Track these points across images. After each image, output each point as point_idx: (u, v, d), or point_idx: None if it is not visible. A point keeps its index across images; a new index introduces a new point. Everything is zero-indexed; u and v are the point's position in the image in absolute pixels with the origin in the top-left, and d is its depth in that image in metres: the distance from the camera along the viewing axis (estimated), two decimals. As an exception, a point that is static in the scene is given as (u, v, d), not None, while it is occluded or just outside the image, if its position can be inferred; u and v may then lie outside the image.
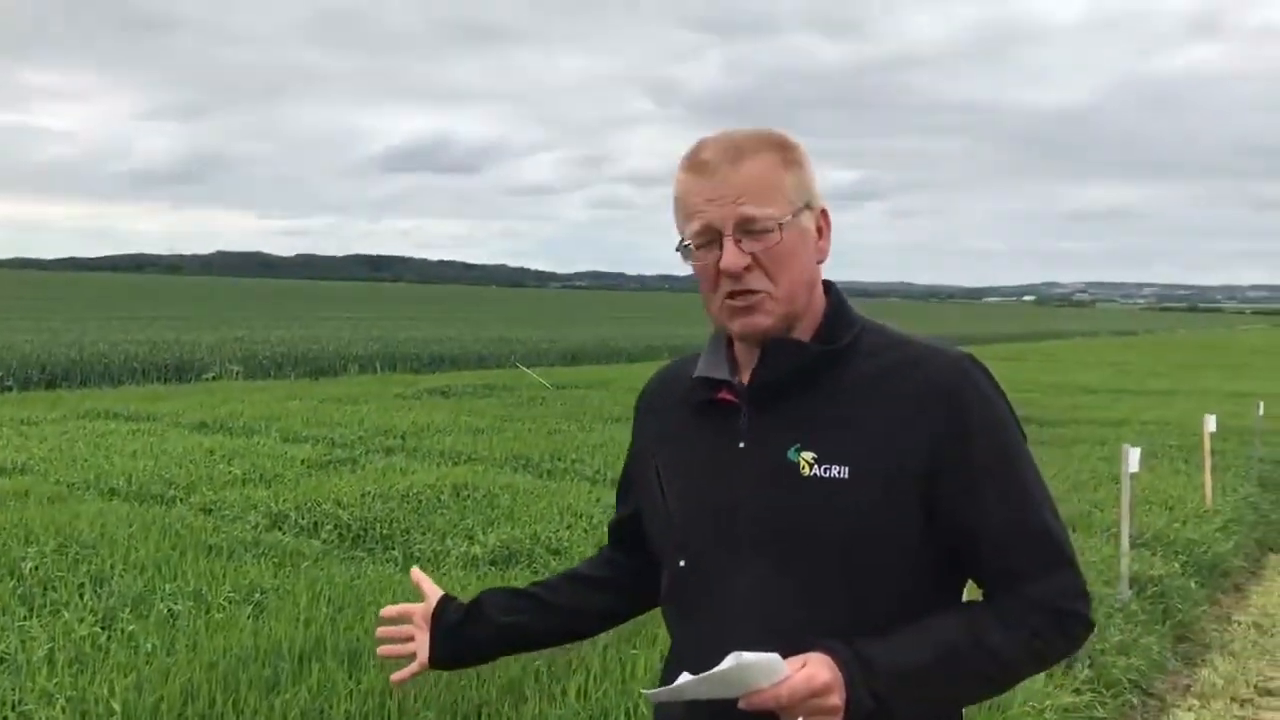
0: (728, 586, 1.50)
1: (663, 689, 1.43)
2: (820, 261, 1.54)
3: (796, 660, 1.37)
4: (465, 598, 1.76)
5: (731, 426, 1.52)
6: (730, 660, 1.33)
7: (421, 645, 1.71)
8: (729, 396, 1.54)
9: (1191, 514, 8.04)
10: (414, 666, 1.73)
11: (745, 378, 1.53)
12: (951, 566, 1.51)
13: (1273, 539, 8.61)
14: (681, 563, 1.56)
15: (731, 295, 1.47)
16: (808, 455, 1.46)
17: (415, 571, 1.81)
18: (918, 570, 1.47)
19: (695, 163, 1.49)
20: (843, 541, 1.44)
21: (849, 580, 1.45)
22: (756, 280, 1.47)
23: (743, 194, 1.45)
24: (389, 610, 1.77)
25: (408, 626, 1.74)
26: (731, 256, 1.45)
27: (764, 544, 1.48)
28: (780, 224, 1.45)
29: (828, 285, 1.57)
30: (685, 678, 1.38)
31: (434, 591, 1.75)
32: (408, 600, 1.77)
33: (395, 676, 1.75)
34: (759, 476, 1.48)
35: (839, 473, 1.44)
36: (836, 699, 1.35)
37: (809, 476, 1.45)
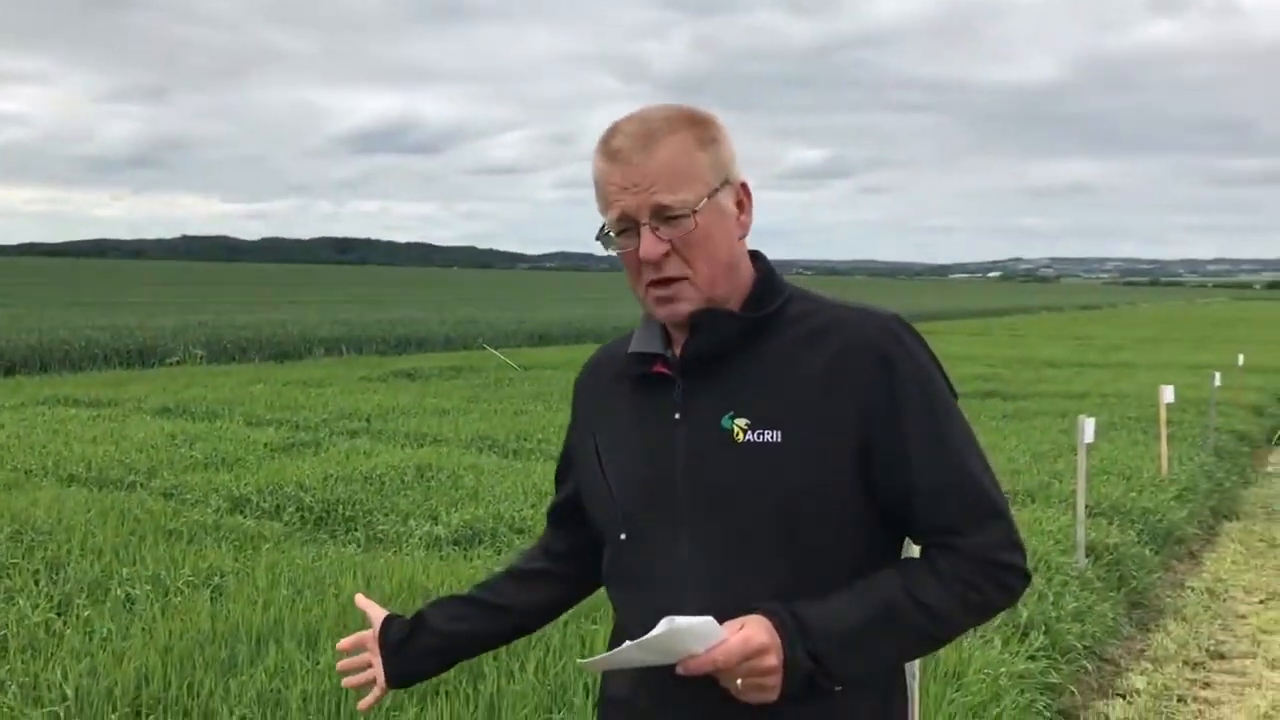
0: (668, 556, 1.51)
1: (597, 657, 1.44)
2: (742, 236, 1.54)
3: (734, 623, 1.38)
4: (419, 609, 1.76)
5: (666, 399, 1.53)
6: (664, 625, 1.34)
7: (377, 668, 1.71)
8: (663, 369, 1.55)
9: (1148, 483, 8.15)
10: (375, 692, 1.72)
11: (678, 350, 1.54)
12: (887, 525, 1.52)
13: (1227, 507, 8.77)
14: (622, 536, 1.57)
15: (654, 284, 1.49)
16: (740, 422, 1.47)
17: (359, 598, 1.80)
18: (855, 530, 1.49)
19: (609, 150, 1.48)
20: (779, 505, 1.45)
21: (787, 543, 1.46)
22: (675, 266, 1.48)
23: (656, 181, 1.45)
24: (345, 643, 1.76)
25: (365, 655, 1.73)
26: (649, 245, 1.46)
27: (702, 512, 1.49)
28: (695, 210, 1.45)
29: (755, 255, 1.58)
30: (624, 646, 1.39)
31: (378, 614, 1.74)
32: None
33: (361, 705, 1.74)
34: (694, 446, 1.50)
35: (772, 438, 1.46)
36: (773, 660, 1.36)
37: (743, 443, 1.46)
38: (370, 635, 1.73)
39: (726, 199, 1.50)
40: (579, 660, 1.49)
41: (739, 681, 1.37)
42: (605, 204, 1.49)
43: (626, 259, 1.50)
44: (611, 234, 1.50)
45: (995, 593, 1.48)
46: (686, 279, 1.48)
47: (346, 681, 1.75)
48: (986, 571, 1.46)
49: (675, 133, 1.46)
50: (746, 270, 1.55)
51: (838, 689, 1.43)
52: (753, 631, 1.37)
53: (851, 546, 1.49)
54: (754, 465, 1.46)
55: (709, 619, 1.35)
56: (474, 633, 1.75)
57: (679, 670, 1.36)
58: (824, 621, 1.40)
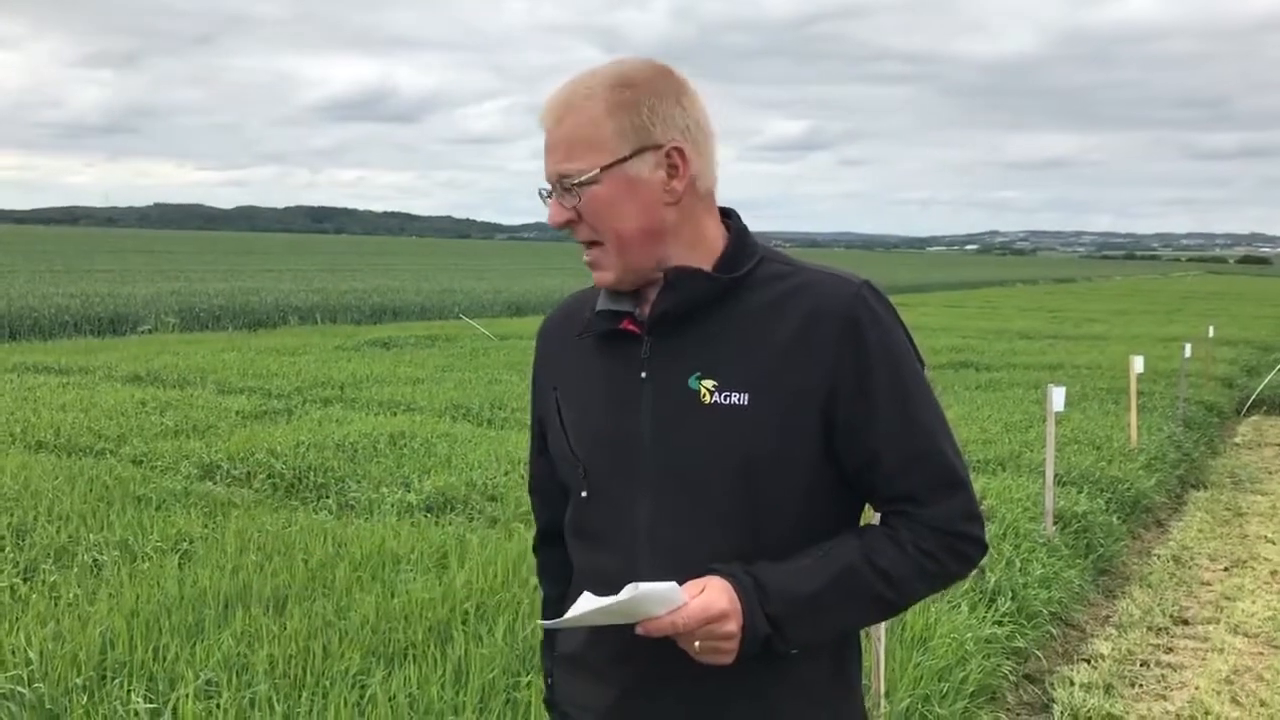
0: (630, 515, 1.50)
1: (559, 618, 1.43)
2: (674, 203, 1.49)
3: (695, 585, 1.38)
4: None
5: (633, 357, 1.52)
6: (628, 591, 1.34)
7: None
8: (631, 327, 1.53)
9: (1117, 453, 8.23)
10: None
11: (647, 309, 1.52)
12: (850, 490, 1.52)
13: (1194, 476, 8.87)
14: (584, 493, 1.55)
15: (585, 250, 1.52)
16: (708, 383, 1.46)
17: None
18: (817, 494, 1.49)
19: (541, 116, 1.52)
20: (743, 467, 1.45)
21: (750, 505, 1.46)
22: (584, 233, 1.50)
23: (559, 149, 1.48)
24: None
25: None
26: (551, 212, 1.51)
27: (665, 472, 1.48)
28: (583, 180, 1.46)
29: (729, 214, 1.56)
30: (584, 602, 1.39)
31: None
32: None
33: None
34: (660, 405, 1.48)
35: (739, 399, 1.44)
36: (732, 625, 1.37)
37: (710, 404, 1.45)
38: None
39: (640, 167, 1.46)
40: (539, 621, 1.49)
41: (696, 644, 1.37)
42: None
43: None
44: (543, 199, 1.54)
45: (953, 562, 1.49)
46: (601, 245, 1.50)
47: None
48: (945, 541, 1.47)
49: (590, 99, 1.46)
50: (705, 232, 1.52)
51: (793, 651, 1.44)
52: (713, 597, 1.36)
53: (814, 511, 1.49)
54: (720, 427, 1.44)
55: (672, 584, 1.35)
56: None
57: (638, 631, 1.36)
58: (783, 585, 1.40)
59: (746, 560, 1.43)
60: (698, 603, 1.35)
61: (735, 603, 1.37)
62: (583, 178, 1.46)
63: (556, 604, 1.70)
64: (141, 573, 4.62)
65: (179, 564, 4.76)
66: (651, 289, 1.52)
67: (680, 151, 1.48)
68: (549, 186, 1.52)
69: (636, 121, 1.46)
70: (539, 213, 1.57)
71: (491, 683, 3.53)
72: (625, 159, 1.46)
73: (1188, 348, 11.41)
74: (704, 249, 1.51)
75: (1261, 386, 13.20)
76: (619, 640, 1.42)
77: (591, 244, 1.51)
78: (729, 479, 1.45)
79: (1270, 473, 9.30)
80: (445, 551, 4.98)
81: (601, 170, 1.45)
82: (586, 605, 1.39)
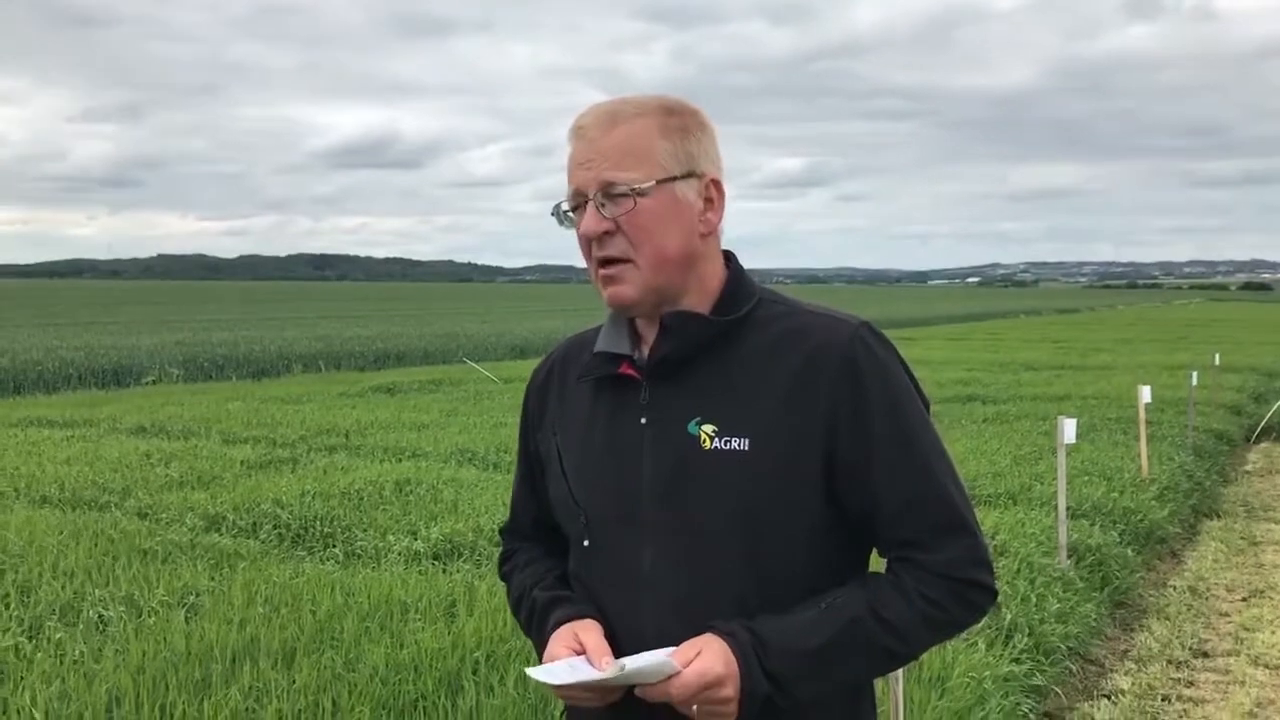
0: (631, 565, 1.48)
1: (550, 680, 1.39)
2: (706, 234, 1.49)
3: (691, 647, 1.35)
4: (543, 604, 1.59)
5: (633, 401, 1.50)
6: (615, 669, 1.33)
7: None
8: (630, 371, 1.51)
9: (1129, 483, 8.16)
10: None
11: (646, 352, 1.50)
12: (855, 536, 1.49)
13: (1207, 505, 8.79)
14: (586, 542, 1.53)
15: (601, 264, 1.46)
16: (708, 428, 1.44)
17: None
18: (821, 540, 1.46)
19: (576, 129, 1.47)
20: (745, 513, 1.42)
21: (753, 551, 1.43)
22: (618, 246, 1.45)
23: (608, 158, 1.43)
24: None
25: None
26: (590, 220, 1.45)
27: (666, 519, 1.46)
28: (639, 190, 1.42)
29: (728, 255, 1.54)
30: (568, 671, 1.36)
31: (590, 627, 1.48)
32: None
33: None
34: (660, 451, 1.46)
35: (740, 444, 1.43)
36: (729, 690, 1.34)
37: (710, 449, 1.43)
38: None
39: (687, 190, 1.46)
40: (528, 670, 1.45)
41: (695, 708, 1.35)
42: (567, 181, 1.49)
43: (579, 239, 1.48)
44: (566, 210, 1.49)
45: (960, 611, 1.45)
46: (630, 261, 1.45)
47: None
48: (952, 589, 1.44)
49: (641, 116, 1.45)
50: (714, 271, 1.51)
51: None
52: (708, 663, 1.34)
53: (819, 556, 1.46)
54: (722, 472, 1.43)
55: (665, 659, 1.33)
56: None
57: (637, 693, 1.36)
58: (785, 641, 1.38)
59: (750, 607, 1.41)
60: (693, 670, 1.33)
61: (732, 665, 1.34)
62: (637, 186, 1.42)
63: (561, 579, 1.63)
64: (148, 628, 4.57)
65: (185, 618, 4.71)
66: (650, 330, 1.51)
67: (718, 185, 1.49)
68: (575, 200, 1.47)
69: (687, 147, 1.46)
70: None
71: (504, 734, 3.48)
72: (676, 178, 1.45)
73: (1194, 376, 11.37)
74: (708, 288, 1.50)
75: (1271, 413, 13.13)
76: (627, 694, 1.40)
77: (616, 261, 1.45)
78: (731, 524, 1.43)
79: (1283, 500, 9.22)
80: (454, 600, 4.92)
81: (656, 183, 1.43)
82: (572, 675, 1.36)
